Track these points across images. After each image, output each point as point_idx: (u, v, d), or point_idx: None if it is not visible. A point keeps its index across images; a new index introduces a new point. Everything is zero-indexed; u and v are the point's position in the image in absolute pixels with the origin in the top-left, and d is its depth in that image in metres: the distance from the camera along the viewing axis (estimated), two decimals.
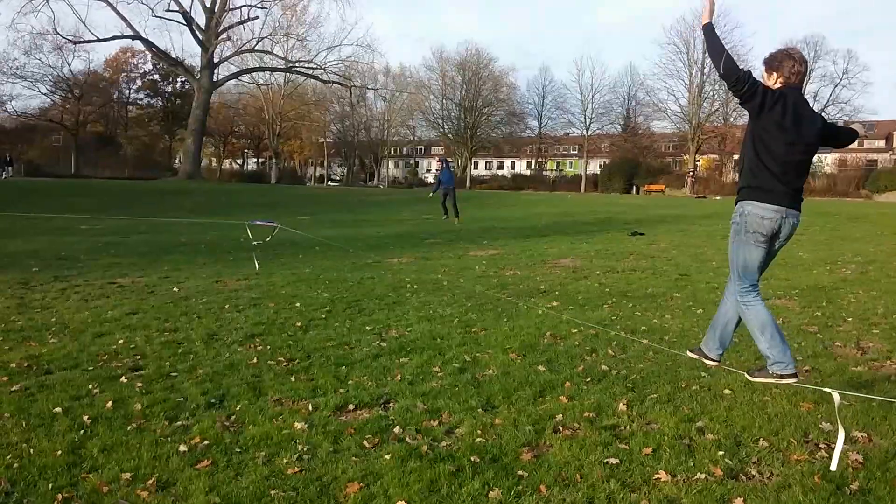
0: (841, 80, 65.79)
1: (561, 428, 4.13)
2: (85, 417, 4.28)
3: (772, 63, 3.96)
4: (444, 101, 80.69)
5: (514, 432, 4.05)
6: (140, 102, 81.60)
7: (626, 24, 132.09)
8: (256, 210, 29.97)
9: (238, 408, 4.55)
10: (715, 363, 4.57)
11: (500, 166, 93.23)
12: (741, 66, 3.85)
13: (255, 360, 5.76)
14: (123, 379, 5.16)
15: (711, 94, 63.11)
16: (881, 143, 73.45)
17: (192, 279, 10.61)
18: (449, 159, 22.25)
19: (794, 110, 3.80)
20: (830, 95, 66.70)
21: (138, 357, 5.83)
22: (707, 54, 3.95)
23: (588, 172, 71.66)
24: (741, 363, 5.51)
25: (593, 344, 6.31)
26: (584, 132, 72.98)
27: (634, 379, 5.13)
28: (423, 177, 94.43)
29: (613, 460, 3.68)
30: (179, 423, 4.29)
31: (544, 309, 8.14)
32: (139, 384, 5.03)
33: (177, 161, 77.57)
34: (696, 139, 62.19)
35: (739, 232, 4.04)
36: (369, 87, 73.93)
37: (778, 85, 3.88)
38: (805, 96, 4.17)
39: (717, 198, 50.49)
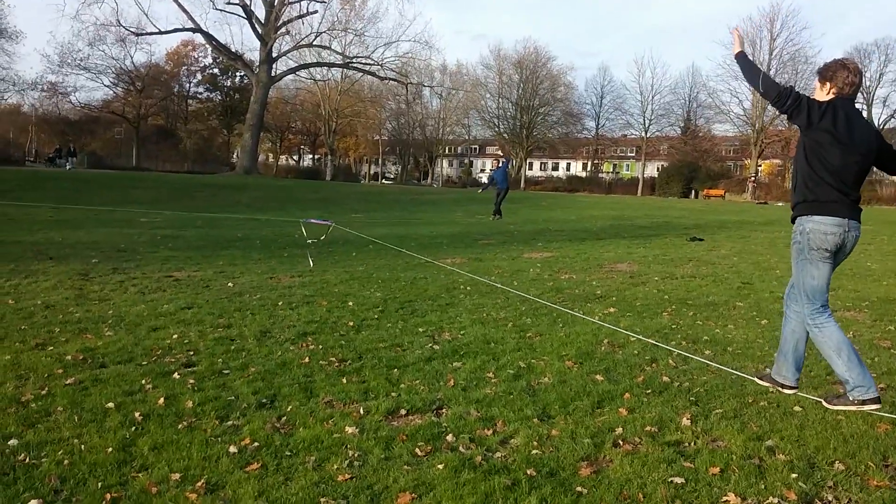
0: None
1: (621, 442, 3.94)
2: (137, 414, 4.29)
3: (825, 74, 3.86)
4: (500, 99, 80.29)
5: (572, 445, 3.88)
6: (200, 96, 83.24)
7: (687, 24, 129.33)
8: (310, 206, 30.35)
9: (289, 409, 4.50)
10: (794, 390, 4.28)
11: (556, 167, 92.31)
12: (786, 82, 3.72)
13: (307, 359, 5.72)
14: (176, 375, 5.18)
15: None
16: None
17: (247, 274, 10.71)
18: (508, 158, 21.59)
19: (845, 118, 3.69)
20: None
21: (191, 353, 5.85)
22: (750, 78, 3.99)
23: (645, 175, 70.32)
24: (811, 378, 5.20)
25: (653, 353, 6.06)
26: (643, 134, 71.55)
27: (698, 392, 4.88)
28: (477, 176, 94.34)
29: (678, 479, 3.47)
30: (230, 422, 4.25)
31: (601, 315, 7.90)
32: (191, 381, 5.04)
33: (235, 156, 79.29)
34: (759, 143, 60.25)
35: (803, 251, 3.88)
36: (426, 84, 73.94)
37: (831, 96, 3.79)
38: (860, 107, 3.91)
39: (780, 204, 48.84)
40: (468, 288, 9.88)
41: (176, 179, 44.66)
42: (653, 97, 70.84)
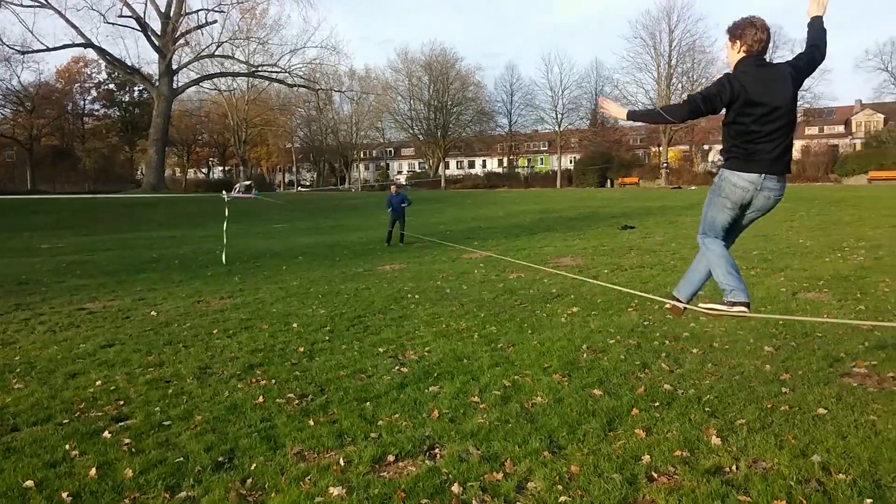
0: None
1: (655, 475, 3.41)
2: (64, 494, 3.45)
3: (735, 32, 3.87)
4: (411, 101, 79.65)
5: (602, 485, 3.32)
6: (96, 113, 78.73)
7: (588, 21, 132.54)
8: (228, 220, 28.89)
9: (253, 467, 3.75)
10: (685, 306, 4.53)
11: (472, 165, 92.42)
12: (682, 96, 3.56)
13: (260, 398, 4.95)
14: (107, 434, 4.32)
15: (679, 85, 63.15)
16: (840, 129, 74.29)
17: (171, 300, 9.72)
18: (397, 187, 20.43)
19: (759, 82, 3.74)
20: None
21: (121, 402, 4.98)
22: (654, 119, 4.30)
23: (562, 168, 71.31)
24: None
25: (640, 357, 5.61)
26: (557, 128, 72.52)
27: (709, 400, 4.44)
28: (394, 178, 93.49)
29: None
30: (183, 493, 3.48)
31: (567, 317, 7.44)
32: (126, 440, 4.20)
33: (139, 172, 75.44)
34: (668, 130, 62.10)
35: (714, 193, 4.04)
36: (335, 89, 72.43)
37: (742, 54, 3.81)
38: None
39: (693, 187, 50.41)
40: (416, 296, 9.25)
41: (77, 201, 41.85)
42: (562, 92, 71.99)
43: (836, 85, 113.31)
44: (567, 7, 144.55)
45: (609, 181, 62.41)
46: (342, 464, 3.75)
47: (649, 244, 14.39)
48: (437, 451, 3.89)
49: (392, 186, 19.09)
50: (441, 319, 7.62)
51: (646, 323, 6.93)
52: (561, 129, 72.41)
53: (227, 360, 6.16)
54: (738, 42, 3.84)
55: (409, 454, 3.85)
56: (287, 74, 61.86)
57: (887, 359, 5.18)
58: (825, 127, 73.19)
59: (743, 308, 3.96)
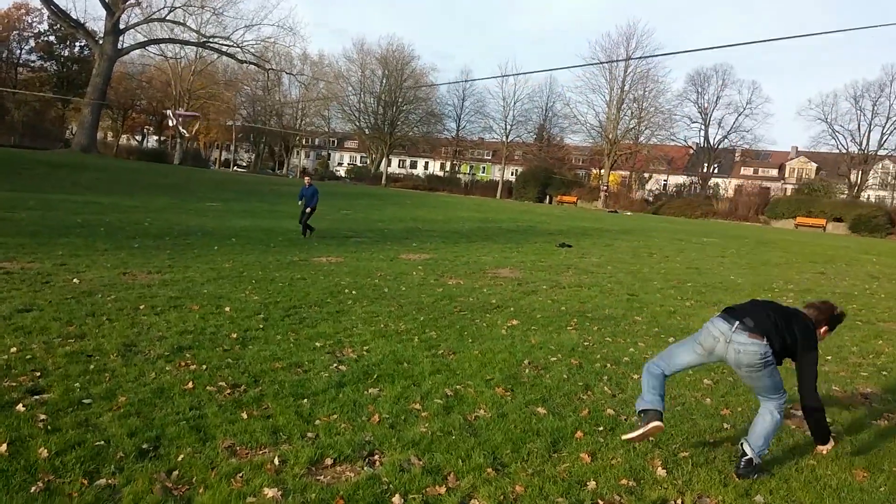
0: (744, 109, 69.21)
1: (601, 502, 3.36)
2: None
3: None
4: (362, 94, 78.95)
5: None
6: (32, 65, 74.53)
7: (546, 35, 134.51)
8: (159, 192, 27.85)
9: (181, 458, 3.51)
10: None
11: (415, 165, 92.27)
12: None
13: (190, 384, 4.68)
14: (21, 407, 3.99)
15: (628, 111, 64.82)
16: (774, 172, 77.94)
17: (95, 268, 9.20)
18: (310, 178, 19.66)
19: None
20: (734, 123, 70.09)
21: (38, 374, 4.62)
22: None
23: (503, 179, 72.01)
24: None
25: (583, 378, 5.60)
26: (504, 138, 73.26)
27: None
28: (334, 169, 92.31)
29: None
30: (103, 480, 3.22)
31: (507, 329, 7.40)
32: (42, 416, 3.88)
33: (70, 132, 71.89)
34: (612, 154, 63.59)
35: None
36: (286, 71, 71.04)
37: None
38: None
39: (628, 213, 51.76)
40: (353, 292, 9.05)
41: (2, 154, 39.56)
42: (514, 103, 72.77)
43: (776, 129, 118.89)
44: (526, 19, 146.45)
45: (548, 198, 63.35)
46: (277, 463, 3.55)
47: (586, 264, 14.58)
48: (377, 457, 3.74)
49: (305, 178, 18.56)
50: (379, 319, 7.46)
51: (586, 343, 6.95)
52: (508, 140, 73.15)
53: (154, 339, 5.83)
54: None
55: (348, 459, 3.68)
56: (238, 49, 60.35)
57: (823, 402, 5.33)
58: (760, 169, 76.56)
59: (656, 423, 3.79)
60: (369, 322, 7.25)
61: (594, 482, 3.53)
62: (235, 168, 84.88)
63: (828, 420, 4.89)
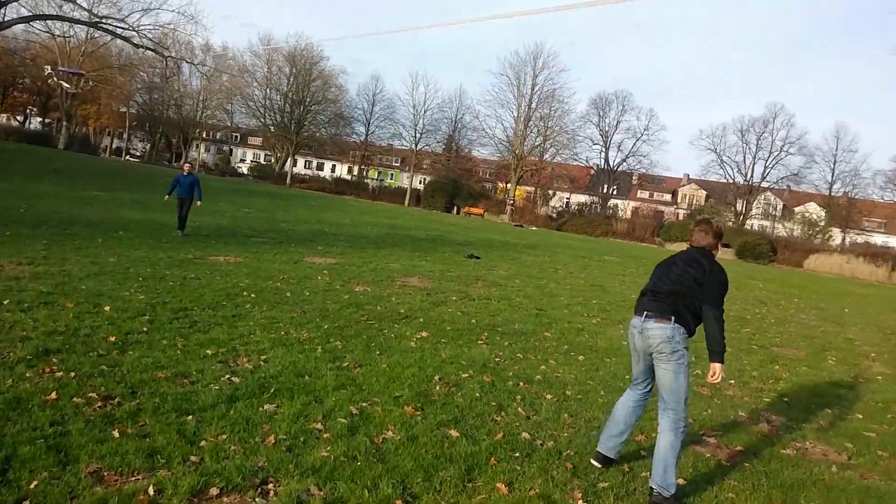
0: (642, 135, 72.27)
1: None
2: None
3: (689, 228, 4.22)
4: (268, 90, 76.72)
5: None
6: None
7: (456, 48, 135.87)
8: (40, 177, 25.76)
9: (34, 485, 2.93)
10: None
11: (321, 167, 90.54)
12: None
13: (53, 394, 4.04)
14: None
15: (535, 129, 66.14)
16: (668, 197, 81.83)
17: None
18: (190, 166, 17.67)
19: (667, 261, 4.25)
20: (632, 147, 73.00)
21: None
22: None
23: (411, 187, 71.81)
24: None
25: (496, 397, 5.31)
26: (414, 146, 73.08)
27: (569, 456, 4.19)
28: (236, 165, 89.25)
29: None
30: None
31: (417, 341, 7.04)
32: None
33: None
34: (519, 169, 64.65)
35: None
36: (186, 60, 67.78)
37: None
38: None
39: (533, 228, 52.69)
40: (253, 295, 8.45)
41: None
42: (424, 112, 72.80)
43: (671, 156, 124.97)
44: (439, 29, 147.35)
45: (456, 208, 63.64)
46: (151, 493, 3.03)
47: (494, 277, 14.45)
48: (271, 486, 3.27)
49: (185, 165, 16.73)
50: (280, 325, 6.92)
51: (497, 359, 6.69)
52: (417, 148, 73.08)
53: (15, 339, 5.08)
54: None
55: (237, 488, 3.20)
56: (134, 33, 56.99)
57: (731, 429, 5.28)
58: (655, 193, 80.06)
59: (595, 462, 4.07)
60: (268, 328, 6.71)
61: None
62: (128, 157, 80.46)
63: (740, 448, 4.84)
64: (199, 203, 15.28)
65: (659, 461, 3.72)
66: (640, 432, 4.84)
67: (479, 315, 9.25)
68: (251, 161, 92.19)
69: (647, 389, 4.17)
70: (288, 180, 71.12)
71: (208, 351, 5.54)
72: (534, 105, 65.48)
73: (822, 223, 61.86)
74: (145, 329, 6.01)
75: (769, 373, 7.94)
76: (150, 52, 61.06)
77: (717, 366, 3.88)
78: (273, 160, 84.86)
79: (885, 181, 60.12)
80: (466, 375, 5.83)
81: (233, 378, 4.89)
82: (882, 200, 63.93)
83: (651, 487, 3.70)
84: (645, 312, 3.99)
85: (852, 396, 7.22)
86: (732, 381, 7.14)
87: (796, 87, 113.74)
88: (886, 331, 14.27)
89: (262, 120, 78.10)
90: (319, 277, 10.84)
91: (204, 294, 8.09)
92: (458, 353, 6.71)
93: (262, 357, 5.58)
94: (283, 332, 6.61)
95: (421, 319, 8.34)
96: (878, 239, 65.82)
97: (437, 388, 5.35)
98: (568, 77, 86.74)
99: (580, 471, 3.95)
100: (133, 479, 3.17)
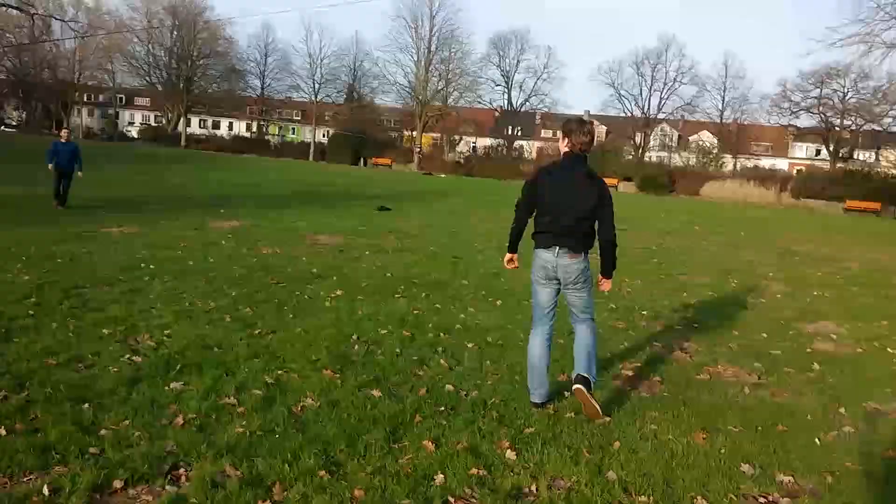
0: (542, 73, 72.83)
1: (452, 499, 2.96)
2: None
3: (564, 130, 4.25)
4: (150, 45, 72.12)
5: None
6: None
7: None
8: None
9: None
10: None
11: (217, 126, 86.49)
12: (515, 212, 4.39)
13: None
14: None
15: (436, 73, 65.36)
16: None
17: None
18: (68, 133, 15.66)
19: (552, 184, 4.19)
20: (533, 87, 73.55)
21: None
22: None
23: (315, 141, 69.92)
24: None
25: (417, 351, 5.21)
26: (313, 97, 70.79)
27: (495, 404, 4.14)
28: (125, 130, 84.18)
29: None
30: None
31: (332, 300, 6.82)
32: None
33: None
34: (424, 116, 63.97)
35: (532, 271, 4.32)
36: (56, 17, 62.60)
37: (566, 149, 4.19)
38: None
39: (442, 175, 52.60)
40: (152, 266, 7.97)
41: None
42: (321, 61, 70.51)
43: (571, 94, 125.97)
44: None
45: (362, 160, 62.61)
46: (46, 493, 2.76)
47: (408, 227, 14.30)
48: (182, 472, 3.05)
49: (63, 131, 14.78)
50: (184, 296, 6.54)
51: (416, 312, 6.58)
52: (317, 100, 70.96)
53: None
54: (566, 139, 4.19)
55: (144, 478, 2.96)
56: None
57: (648, 361, 5.39)
58: (558, 132, 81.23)
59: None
60: (171, 301, 6.32)
61: (441, 475, 3.13)
62: (2, 127, 74.49)
63: (658, 378, 4.95)
64: (80, 174, 13.92)
65: (584, 354, 4.10)
66: (562, 371, 4.86)
67: (395, 268, 9.10)
68: (140, 123, 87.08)
69: (553, 318, 4.31)
70: (182, 141, 67.92)
71: (105, 330, 5.15)
72: (433, 48, 64.71)
73: (715, 150, 64.62)
74: (31, 312, 5.52)
75: (678, 301, 8.21)
76: (13, 11, 56.02)
77: (609, 281, 4.32)
78: (164, 121, 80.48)
79: (771, 105, 63.04)
80: (385, 332, 5.68)
81: (134, 358, 4.55)
82: (769, 124, 67.17)
83: (577, 374, 4.02)
84: (557, 248, 4.09)
85: (755, 317, 7.57)
86: (645, 312, 7.32)
87: (687, 17, 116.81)
88: (781, 251, 15.12)
89: (148, 79, 73.72)
90: (224, 242, 10.36)
91: (97, 269, 7.56)
92: (376, 309, 6.55)
93: (166, 332, 5.23)
94: (187, 304, 6.25)
95: (335, 278, 8.11)
96: (765, 162, 69.59)
97: (356, 347, 5.18)
98: (465, 17, 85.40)
99: (507, 419, 3.91)
100: (25, 479, 2.88)
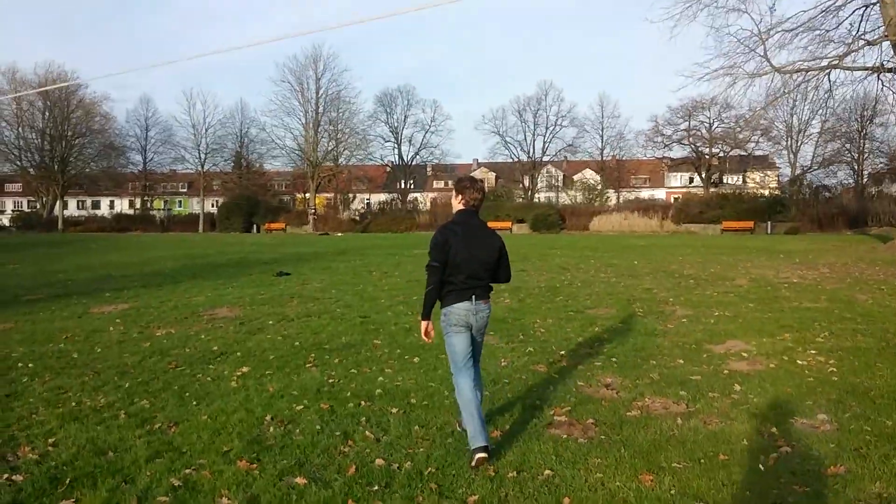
0: (430, 126, 74.19)
1: None
2: None
3: (458, 188, 4.51)
4: (20, 128, 68.30)
5: None
6: None
7: (234, 61, 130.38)
8: None
9: None
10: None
11: (98, 206, 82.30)
12: (430, 274, 4.41)
13: None
14: None
15: (325, 133, 65.12)
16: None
17: None
18: None
19: (463, 235, 4.35)
20: (423, 140, 74.69)
21: None
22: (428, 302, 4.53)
23: (204, 211, 67.69)
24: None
25: (338, 424, 4.84)
26: (200, 168, 68.68)
27: (432, 474, 3.86)
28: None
29: None
30: None
31: (238, 379, 6.34)
32: None
33: None
34: (317, 177, 63.30)
35: (446, 325, 4.44)
36: None
37: (461, 206, 4.44)
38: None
39: (339, 234, 52.01)
40: (30, 365, 7.20)
41: None
42: (206, 130, 68.83)
43: (459, 144, 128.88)
44: (211, 44, 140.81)
45: (255, 226, 61.10)
46: None
47: (310, 291, 13.82)
48: None
49: None
50: (69, 396, 5.89)
51: (331, 380, 6.21)
52: (204, 170, 69.02)
53: None
54: (461, 196, 4.45)
55: None
56: None
57: (578, 403, 5.26)
58: (449, 181, 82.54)
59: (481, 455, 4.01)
60: (55, 402, 5.67)
61: None
62: None
63: (592, 420, 4.82)
64: None
65: (479, 414, 4.13)
66: (494, 427, 4.65)
67: (302, 335, 8.67)
68: (12, 210, 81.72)
69: (472, 363, 4.46)
70: (59, 225, 64.07)
71: None
72: (321, 109, 64.48)
73: (599, 186, 67.63)
74: None
75: (591, 335, 8.23)
76: None
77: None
78: (38, 206, 75.78)
79: (646, 140, 66.78)
80: (301, 407, 5.29)
81: (14, 477, 3.96)
82: (645, 158, 71.12)
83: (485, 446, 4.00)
84: (474, 297, 4.32)
85: (668, 343, 7.68)
86: (563, 352, 7.26)
87: (563, 64, 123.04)
88: (675, 275, 15.71)
89: (19, 163, 69.41)
90: (111, 328, 9.58)
91: None
92: (287, 383, 6.14)
93: (50, 440, 4.63)
94: (73, 404, 5.62)
95: (238, 353, 7.60)
96: (645, 193, 73.46)
97: (271, 429, 4.77)
98: (351, 77, 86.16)
99: (447, 489, 3.64)
100: None
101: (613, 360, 6.86)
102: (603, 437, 4.45)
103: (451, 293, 4.36)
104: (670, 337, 8.06)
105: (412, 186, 77.18)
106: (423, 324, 4.45)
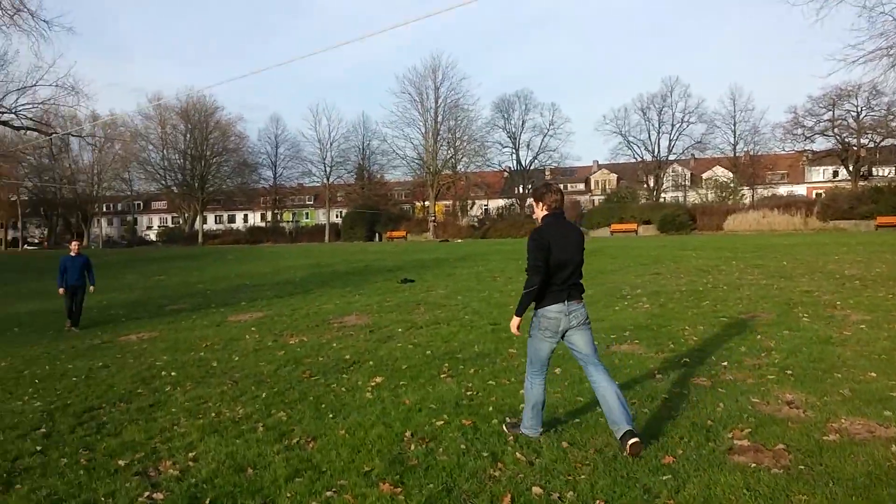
0: (548, 130, 73.11)
1: None
2: None
3: (536, 195, 4.59)
4: (165, 150, 73.82)
5: None
6: None
7: (355, 75, 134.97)
8: None
9: None
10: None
11: (233, 220, 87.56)
12: (533, 274, 4.37)
13: None
14: None
15: (444, 141, 65.76)
16: (581, 186, 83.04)
17: None
18: (78, 245, 13.73)
19: (558, 233, 4.41)
20: (541, 144, 73.73)
21: None
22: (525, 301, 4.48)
23: (329, 222, 70.25)
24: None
25: (484, 443, 4.40)
26: (326, 181, 71.49)
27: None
28: (143, 234, 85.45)
29: None
30: None
31: (372, 390, 6.06)
32: None
33: None
34: (436, 185, 64.15)
35: (536, 328, 4.51)
36: (73, 134, 64.41)
37: (545, 212, 4.49)
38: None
39: (459, 240, 52.15)
40: (173, 373, 7.29)
41: None
42: (331, 144, 71.50)
43: (578, 146, 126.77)
44: (333, 62, 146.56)
45: (378, 235, 62.58)
46: None
47: (435, 298, 13.57)
48: None
49: (73, 244, 12.77)
50: (209, 406, 5.83)
51: (469, 393, 5.79)
52: (329, 183, 71.65)
53: None
54: (541, 203, 4.52)
55: None
56: (13, 116, 53.64)
57: (759, 424, 4.52)
58: (569, 184, 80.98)
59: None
60: (195, 413, 5.61)
61: None
62: (25, 246, 75.71)
63: (783, 446, 4.09)
64: (92, 288, 12.66)
65: (618, 403, 4.18)
66: (665, 452, 4.03)
67: (433, 344, 8.34)
68: (158, 226, 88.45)
69: (594, 359, 4.47)
70: (199, 239, 68.49)
71: (121, 462, 4.43)
72: (440, 118, 65.28)
73: (733, 184, 63.83)
74: (39, 448, 4.82)
75: (754, 344, 7.34)
76: (33, 133, 57.52)
77: None
78: (181, 221, 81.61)
79: (784, 133, 62.45)
80: (441, 422, 4.90)
81: (154, 495, 3.81)
82: (783, 152, 66.42)
83: (627, 431, 4.06)
84: (566, 299, 4.37)
85: (851, 353, 6.67)
86: (725, 363, 6.47)
87: (689, 57, 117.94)
88: (835, 276, 14.17)
89: (164, 182, 75.09)
90: (248, 336, 9.70)
91: (114, 384, 6.89)
92: (424, 394, 5.78)
93: (191, 454, 4.50)
94: (213, 414, 5.53)
95: (371, 363, 7.37)
96: (782, 190, 68.61)
97: (413, 447, 4.40)
98: (469, 84, 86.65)
99: None
100: None
101: (789, 372, 6.00)
102: (802, 467, 3.73)
103: (546, 294, 4.39)
104: (851, 346, 7.02)
105: (530, 191, 76.38)
106: (516, 320, 4.52)
